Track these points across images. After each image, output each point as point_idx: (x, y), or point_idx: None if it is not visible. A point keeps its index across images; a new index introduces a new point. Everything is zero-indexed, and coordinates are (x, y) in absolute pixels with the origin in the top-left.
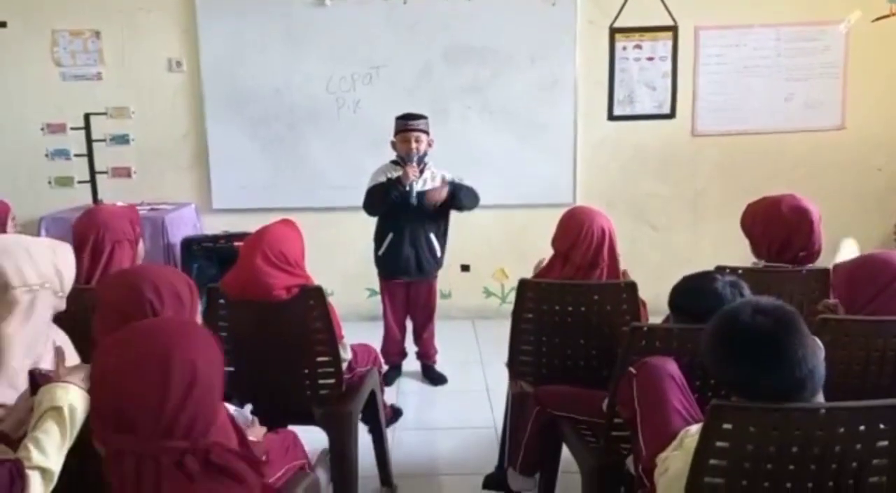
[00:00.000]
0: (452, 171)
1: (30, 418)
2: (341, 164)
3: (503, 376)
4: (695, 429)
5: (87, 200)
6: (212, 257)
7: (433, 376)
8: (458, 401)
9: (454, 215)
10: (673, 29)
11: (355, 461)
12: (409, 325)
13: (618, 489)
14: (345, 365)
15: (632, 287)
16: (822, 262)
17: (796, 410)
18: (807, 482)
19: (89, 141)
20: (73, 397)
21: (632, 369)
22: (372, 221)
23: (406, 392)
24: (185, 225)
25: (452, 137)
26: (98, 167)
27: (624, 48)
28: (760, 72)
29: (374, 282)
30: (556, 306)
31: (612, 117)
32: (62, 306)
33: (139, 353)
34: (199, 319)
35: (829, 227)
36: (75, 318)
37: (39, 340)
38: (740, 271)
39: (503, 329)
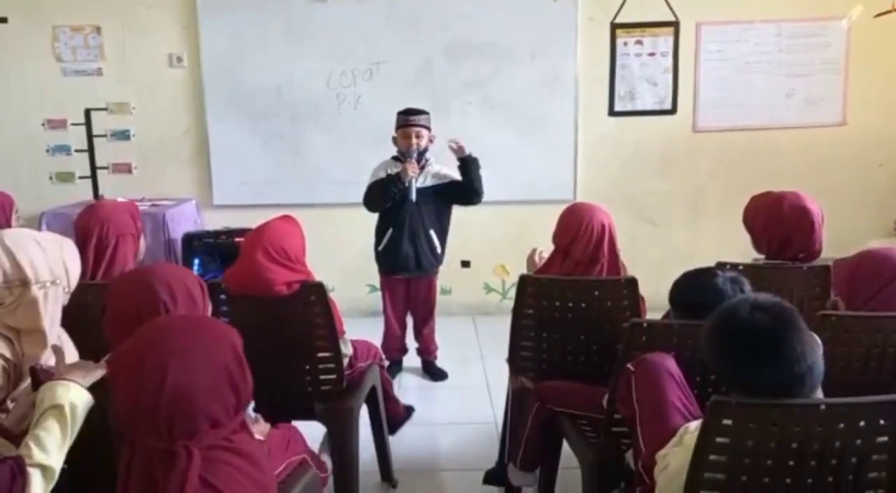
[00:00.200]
0: (454, 167)
1: (31, 413)
2: (342, 160)
3: (503, 371)
4: (694, 426)
5: (87, 195)
6: (213, 252)
7: (434, 372)
8: (459, 397)
9: (455, 210)
10: (674, 25)
11: (356, 456)
12: (409, 321)
13: (618, 484)
14: (346, 361)
15: (632, 283)
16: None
17: (796, 406)
18: (806, 478)
19: (90, 137)
20: (73, 396)
21: (630, 367)
22: (372, 217)
23: (406, 388)
24: (185, 221)
25: (453, 132)
26: (99, 163)
27: (625, 44)
28: (762, 68)
29: (375, 278)
30: (557, 302)
31: (612, 113)
32: (65, 302)
33: (169, 352)
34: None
35: (830, 223)
36: (80, 313)
37: (52, 334)
38: (741, 268)
39: (503, 325)
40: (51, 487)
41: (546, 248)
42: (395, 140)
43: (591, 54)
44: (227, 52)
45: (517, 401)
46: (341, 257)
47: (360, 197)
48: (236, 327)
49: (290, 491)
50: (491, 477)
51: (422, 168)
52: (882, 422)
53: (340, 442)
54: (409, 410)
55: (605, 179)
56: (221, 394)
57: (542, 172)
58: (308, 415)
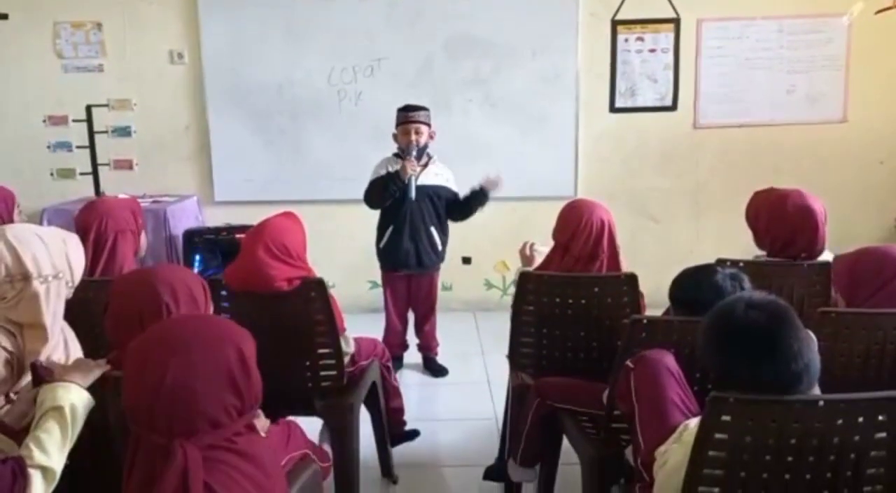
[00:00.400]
0: (456, 164)
1: (32, 410)
2: (343, 156)
3: (504, 367)
4: (693, 423)
5: (89, 192)
6: (214, 249)
7: (434, 368)
8: (459, 393)
9: None
10: (675, 21)
11: (357, 452)
12: (410, 317)
13: (618, 480)
14: (347, 358)
15: (632, 279)
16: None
17: (795, 402)
18: (805, 474)
19: (91, 133)
20: (74, 397)
21: (629, 364)
22: (373, 214)
23: (407, 384)
24: (187, 217)
25: (454, 129)
26: (100, 159)
27: (626, 40)
28: (762, 64)
29: (376, 274)
30: (557, 299)
31: (613, 110)
32: (69, 296)
33: (188, 349)
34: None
35: (831, 220)
36: (78, 309)
37: (55, 329)
38: (741, 264)
39: (504, 321)
40: (52, 488)
41: (539, 242)
42: (395, 137)
43: (592, 51)
44: (228, 48)
45: (517, 397)
46: (342, 254)
47: (360, 194)
48: (237, 323)
49: (292, 487)
50: (491, 473)
51: (424, 165)
52: (880, 418)
53: (341, 438)
54: (413, 433)
55: (606, 175)
56: (221, 395)
57: (543, 169)
58: (309, 411)
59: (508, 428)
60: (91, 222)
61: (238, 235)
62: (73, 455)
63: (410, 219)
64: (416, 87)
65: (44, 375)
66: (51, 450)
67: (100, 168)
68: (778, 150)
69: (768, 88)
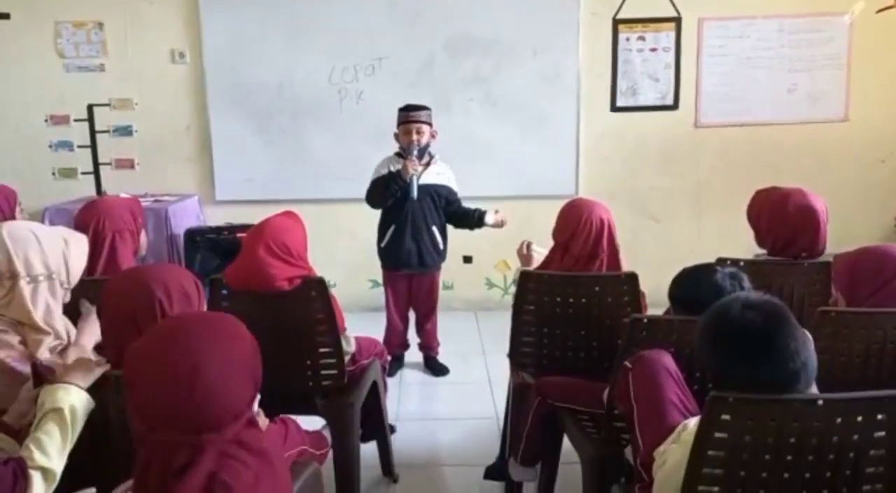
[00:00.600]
0: (457, 163)
1: (32, 409)
2: (344, 155)
3: (505, 367)
4: (693, 423)
5: (90, 191)
6: (215, 248)
7: (435, 368)
8: (460, 392)
9: None
10: (676, 20)
11: (357, 450)
12: (411, 316)
13: (618, 479)
14: (347, 357)
15: (632, 279)
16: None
17: (794, 401)
18: (804, 473)
19: (92, 132)
20: (74, 399)
21: (627, 364)
22: (374, 213)
23: (408, 383)
24: (188, 216)
25: (455, 128)
26: (101, 159)
27: (627, 39)
28: (764, 63)
29: (377, 273)
30: (558, 298)
31: (614, 109)
32: (67, 298)
33: (196, 347)
34: None
35: (832, 219)
36: (77, 308)
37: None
38: (742, 263)
39: (505, 321)
40: (52, 489)
41: (539, 241)
42: (396, 136)
43: (593, 50)
44: (229, 47)
45: (518, 396)
46: (343, 253)
47: (362, 193)
48: None
49: (293, 486)
50: (492, 472)
51: (426, 165)
52: (879, 417)
53: (342, 437)
54: (391, 428)
55: (606, 174)
56: (245, 387)
57: (543, 168)
58: (309, 410)
59: (509, 427)
60: (89, 222)
61: (239, 235)
62: (72, 455)
63: (412, 218)
64: (416, 86)
65: (44, 374)
66: (51, 451)
67: (101, 167)
68: (779, 149)
69: (769, 87)
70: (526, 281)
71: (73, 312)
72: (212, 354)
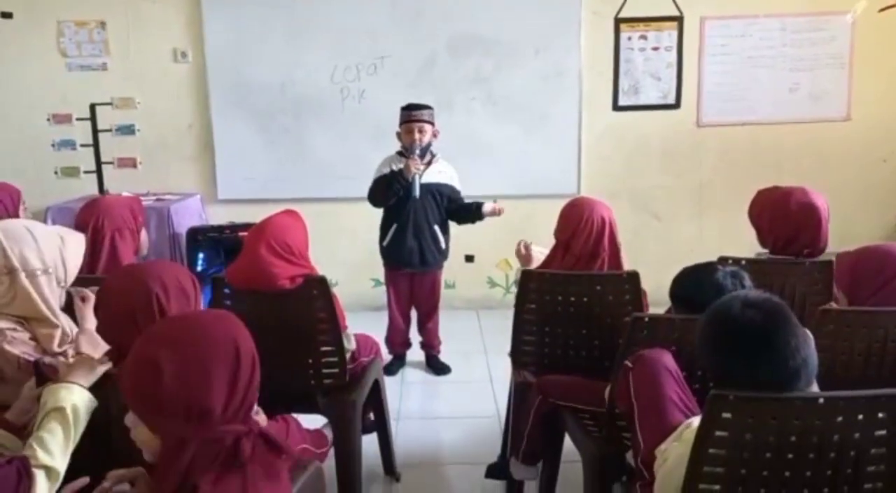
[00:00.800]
0: (458, 162)
1: (34, 407)
2: (346, 154)
3: (506, 366)
4: (696, 422)
5: (93, 190)
6: (217, 247)
7: (437, 366)
8: (462, 391)
9: None
10: (678, 19)
11: (359, 449)
12: (413, 315)
13: (619, 478)
14: (348, 355)
15: (634, 277)
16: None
17: (795, 399)
18: (805, 471)
19: (95, 131)
20: (76, 398)
21: (627, 363)
22: (376, 212)
23: (410, 382)
24: (190, 215)
25: (456, 127)
26: (104, 158)
27: (629, 38)
28: (766, 62)
29: (379, 272)
30: (559, 297)
31: (616, 108)
32: (63, 295)
33: (211, 343)
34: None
35: (833, 218)
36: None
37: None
38: (743, 262)
39: (507, 319)
40: (55, 488)
41: (540, 240)
42: (398, 136)
43: (595, 49)
44: (231, 46)
45: (519, 395)
46: (345, 252)
47: (363, 192)
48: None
49: (294, 485)
50: (493, 471)
51: (428, 163)
52: (880, 415)
53: (343, 436)
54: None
55: (608, 173)
56: (208, 388)
57: (545, 167)
58: (311, 408)
59: (510, 426)
60: (88, 220)
61: (241, 233)
62: (75, 453)
63: (414, 217)
64: (418, 85)
65: (47, 373)
66: (54, 450)
67: (104, 166)
68: (781, 148)
69: (771, 86)
70: (527, 280)
71: (71, 311)
72: (175, 352)
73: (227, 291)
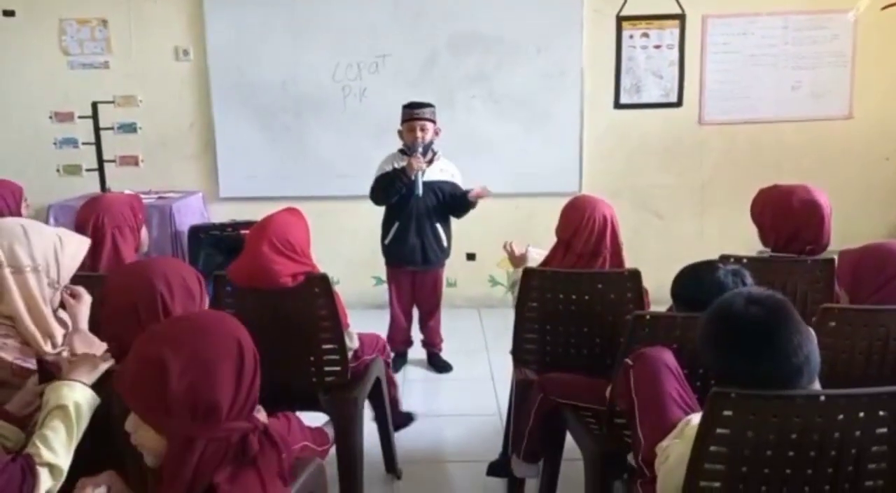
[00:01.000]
0: (460, 160)
1: (36, 400)
2: (347, 152)
3: (508, 364)
4: (696, 419)
5: (95, 188)
6: (219, 245)
7: (438, 364)
8: (463, 389)
9: None
10: (680, 17)
11: (360, 447)
12: (414, 313)
13: (620, 476)
14: (350, 354)
15: (635, 276)
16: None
17: (796, 397)
18: (806, 469)
19: (97, 129)
20: (78, 396)
21: (628, 361)
22: (378, 210)
23: (411, 380)
24: (192, 213)
25: (458, 126)
26: (106, 156)
27: (631, 36)
28: (768, 60)
29: (381, 270)
30: (560, 295)
31: (618, 106)
32: (56, 297)
33: (215, 341)
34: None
35: (836, 217)
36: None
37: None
38: (744, 261)
39: (508, 318)
40: (59, 485)
41: (542, 238)
42: (400, 134)
43: (597, 47)
44: (233, 45)
45: (520, 393)
46: (347, 250)
47: (365, 190)
48: (241, 319)
49: (296, 482)
50: (495, 469)
51: (430, 161)
52: (881, 413)
53: (345, 433)
54: (409, 417)
55: (610, 171)
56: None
57: (547, 165)
58: (312, 406)
59: (512, 424)
60: (88, 218)
61: (243, 231)
62: (77, 450)
63: (416, 215)
64: (419, 83)
65: (50, 369)
66: (57, 448)
67: (105, 165)
68: (783, 146)
69: (773, 84)
70: (529, 278)
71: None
72: (179, 350)
73: (228, 288)
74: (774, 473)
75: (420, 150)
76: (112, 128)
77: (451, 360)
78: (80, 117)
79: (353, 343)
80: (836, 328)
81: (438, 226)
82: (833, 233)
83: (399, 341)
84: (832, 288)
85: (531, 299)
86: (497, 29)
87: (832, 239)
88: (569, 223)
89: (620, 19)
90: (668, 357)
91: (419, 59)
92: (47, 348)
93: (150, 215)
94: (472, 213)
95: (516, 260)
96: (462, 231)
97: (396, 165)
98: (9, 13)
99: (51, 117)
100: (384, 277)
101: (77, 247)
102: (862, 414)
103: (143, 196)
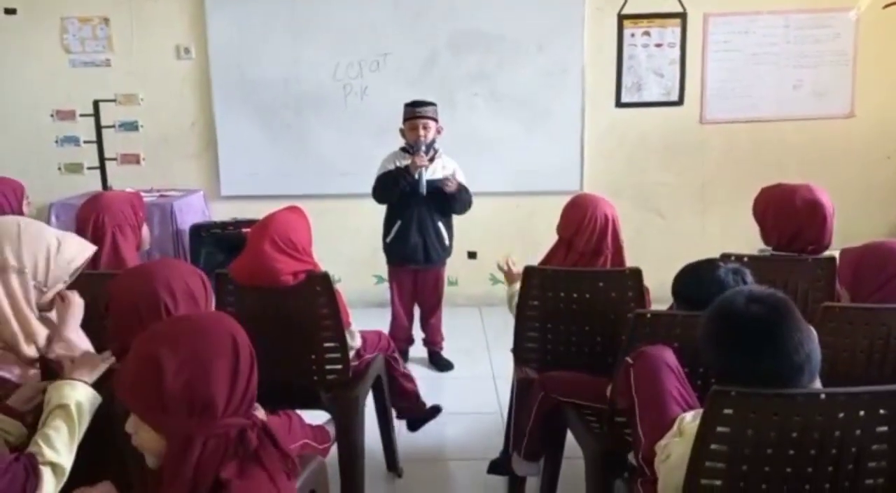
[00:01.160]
0: (461, 159)
1: (38, 396)
2: (349, 151)
3: (509, 362)
4: (690, 416)
5: (96, 186)
6: (220, 243)
7: (439, 363)
8: (464, 387)
9: None
10: (681, 16)
11: (362, 445)
12: (416, 311)
13: (621, 474)
14: (352, 352)
15: (636, 274)
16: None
17: (797, 395)
18: (806, 467)
19: (98, 128)
20: (80, 395)
21: (628, 360)
22: (379, 208)
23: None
24: (193, 212)
25: (459, 124)
26: (107, 154)
27: (632, 35)
28: (769, 59)
29: (382, 269)
30: (562, 293)
31: (619, 105)
32: (42, 300)
33: (210, 339)
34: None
35: (838, 215)
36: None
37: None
38: (745, 259)
39: (509, 316)
40: (62, 483)
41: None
42: (402, 132)
43: (598, 45)
44: (234, 43)
45: (521, 391)
46: (348, 248)
47: (366, 188)
48: (243, 317)
49: (297, 480)
50: (496, 467)
51: (431, 160)
52: (882, 412)
53: (346, 432)
54: (434, 409)
55: (611, 170)
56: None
57: (548, 164)
58: (314, 404)
59: (513, 422)
60: (89, 217)
61: (244, 230)
62: (79, 449)
63: (418, 214)
64: (421, 82)
65: (56, 369)
66: (59, 447)
67: (107, 163)
68: (784, 145)
69: (775, 83)
70: (531, 276)
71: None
72: (175, 348)
73: (230, 287)
74: (775, 471)
75: (423, 148)
76: (113, 126)
77: (452, 358)
78: (81, 115)
79: (354, 342)
80: (837, 327)
81: (440, 224)
82: (834, 231)
83: (400, 340)
84: (833, 287)
85: (532, 298)
86: (498, 27)
87: (834, 238)
88: (570, 222)
89: (622, 18)
90: (668, 356)
91: (420, 57)
92: (30, 351)
93: (152, 214)
94: (473, 211)
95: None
96: (463, 229)
97: (399, 164)
98: (10, 11)
99: (52, 116)
100: (385, 275)
101: (76, 253)
102: (862, 413)
103: (144, 194)
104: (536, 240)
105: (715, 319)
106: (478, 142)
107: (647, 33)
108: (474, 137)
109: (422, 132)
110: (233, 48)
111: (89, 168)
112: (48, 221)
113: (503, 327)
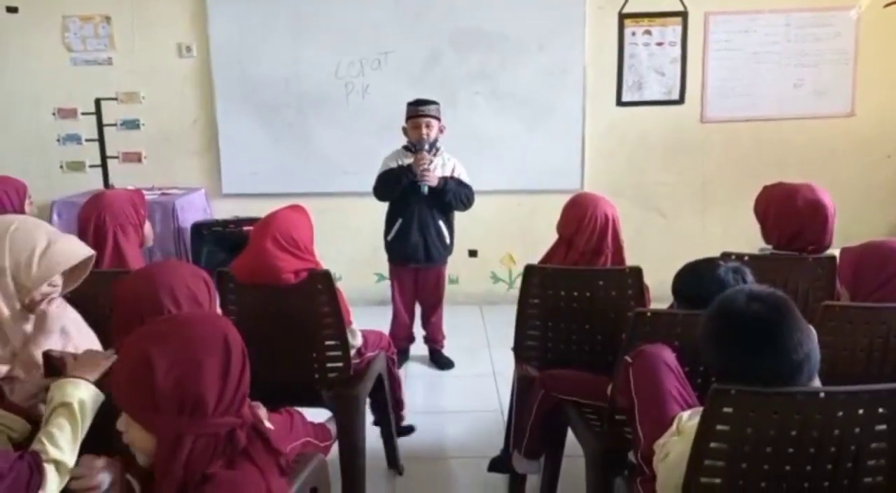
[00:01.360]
0: (463, 157)
1: (41, 393)
2: (350, 149)
3: (510, 360)
4: (688, 414)
5: (98, 184)
6: (221, 241)
7: (440, 361)
8: (465, 385)
9: None
10: (682, 14)
11: (362, 443)
12: (417, 310)
13: (621, 473)
14: (353, 351)
15: (637, 273)
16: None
17: (796, 394)
18: (806, 466)
19: (100, 126)
20: (82, 393)
21: (627, 358)
22: (380, 207)
23: (413, 376)
24: (195, 210)
25: (460, 123)
26: (109, 152)
27: (633, 34)
28: (770, 58)
29: (383, 267)
30: (562, 292)
31: (620, 103)
32: (26, 299)
33: (201, 338)
34: (217, 310)
35: (838, 214)
36: (84, 301)
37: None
38: (746, 258)
39: (510, 314)
40: (65, 481)
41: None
42: (405, 131)
43: (599, 44)
44: (236, 41)
45: (522, 389)
46: (349, 247)
47: (368, 187)
48: (244, 315)
49: (298, 478)
50: (496, 465)
51: (434, 156)
52: (881, 410)
53: (347, 429)
54: (408, 429)
55: (612, 169)
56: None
57: (549, 163)
58: (315, 402)
59: (513, 420)
60: (90, 217)
61: (246, 228)
62: (82, 447)
63: (419, 212)
64: (422, 80)
65: (58, 366)
66: (63, 445)
67: (109, 161)
68: (785, 144)
69: (776, 81)
70: (531, 275)
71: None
72: (165, 347)
73: (231, 285)
74: (774, 469)
75: (426, 147)
76: (115, 124)
77: (453, 356)
78: (83, 114)
79: (355, 340)
80: (837, 326)
81: (441, 223)
82: (836, 231)
83: (401, 338)
84: (833, 286)
85: (533, 296)
86: (499, 26)
87: (835, 237)
88: (570, 221)
89: (623, 17)
90: (667, 355)
91: (422, 56)
92: (2, 351)
93: (153, 212)
94: (474, 209)
95: None
96: (464, 228)
97: (402, 162)
98: (12, 10)
99: (54, 114)
100: (386, 273)
101: (68, 255)
102: (861, 411)
103: (145, 192)
104: (537, 238)
105: (715, 317)
106: (479, 140)
107: (647, 32)
108: (475, 136)
109: (424, 131)
110: (234, 46)
111: (91, 166)
112: (50, 220)
113: (504, 325)
